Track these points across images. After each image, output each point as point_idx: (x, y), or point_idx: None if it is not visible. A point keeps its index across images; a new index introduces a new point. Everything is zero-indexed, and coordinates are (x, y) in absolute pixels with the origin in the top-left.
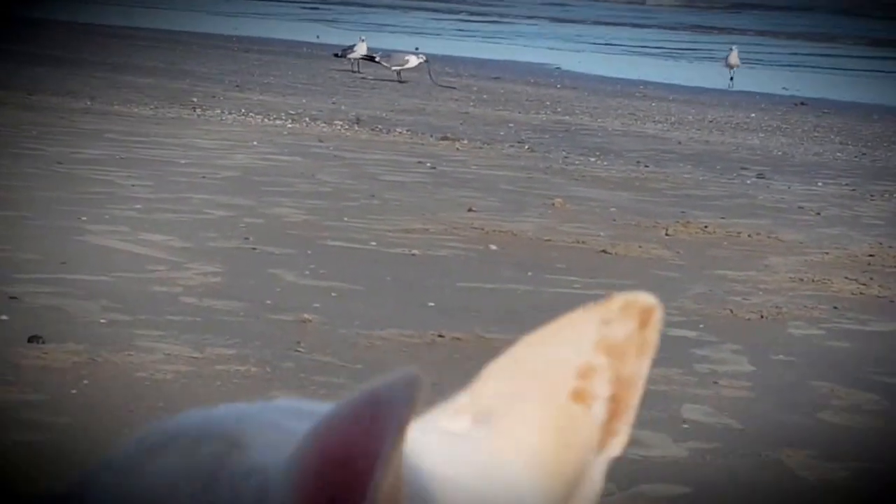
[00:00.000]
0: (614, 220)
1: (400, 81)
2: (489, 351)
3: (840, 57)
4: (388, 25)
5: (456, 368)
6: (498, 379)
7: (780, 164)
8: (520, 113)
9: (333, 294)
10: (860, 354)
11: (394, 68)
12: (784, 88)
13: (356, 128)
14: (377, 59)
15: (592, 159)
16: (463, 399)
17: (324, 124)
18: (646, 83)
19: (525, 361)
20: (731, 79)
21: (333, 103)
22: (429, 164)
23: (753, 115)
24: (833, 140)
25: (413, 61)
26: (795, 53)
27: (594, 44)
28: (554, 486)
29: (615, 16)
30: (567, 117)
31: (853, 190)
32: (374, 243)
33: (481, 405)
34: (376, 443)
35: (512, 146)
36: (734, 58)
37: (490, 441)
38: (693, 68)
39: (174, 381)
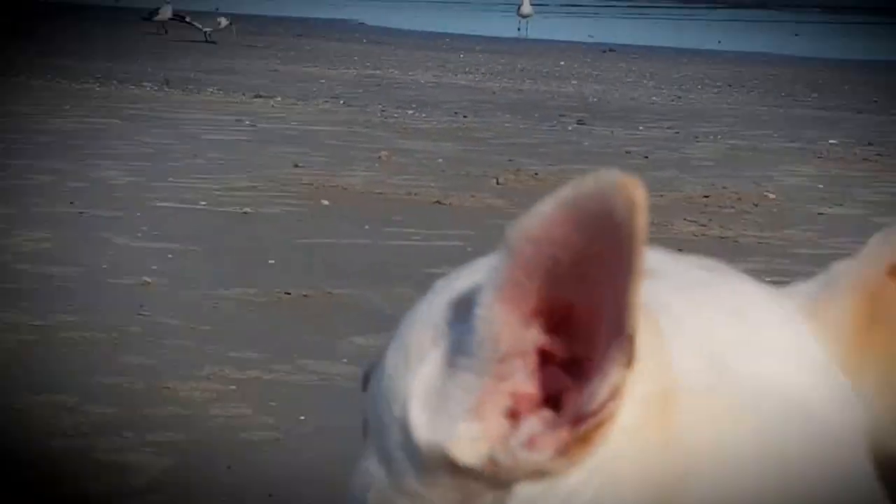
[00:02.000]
0: (443, 171)
1: (209, 42)
2: (338, 306)
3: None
4: None
5: (309, 325)
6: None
7: (598, 109)
8: (329, 69)
9: (170, 255)
10: None
11: (205, 29)
12: (590, 36)
13: (166, 89)
14: (188, 20)
15: (410, 111)
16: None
17: (133, 86)
18: (451, 35)
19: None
20: (523, 28)
21: (139, 65)
22: (248, 122)
23: (563, 63)
24: (646, 84)
25: (224, 22)
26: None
27: None
28: (865, 360)
29: None
30: (377, 71)
31: (677, 133)
32: (203, 202)
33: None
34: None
35: (327, 101)
36: (526, 7)
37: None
38: (497, 19)
39: (17, 349)
